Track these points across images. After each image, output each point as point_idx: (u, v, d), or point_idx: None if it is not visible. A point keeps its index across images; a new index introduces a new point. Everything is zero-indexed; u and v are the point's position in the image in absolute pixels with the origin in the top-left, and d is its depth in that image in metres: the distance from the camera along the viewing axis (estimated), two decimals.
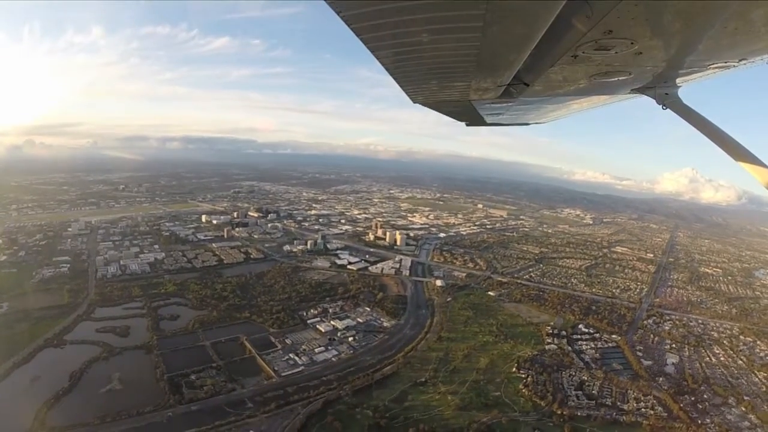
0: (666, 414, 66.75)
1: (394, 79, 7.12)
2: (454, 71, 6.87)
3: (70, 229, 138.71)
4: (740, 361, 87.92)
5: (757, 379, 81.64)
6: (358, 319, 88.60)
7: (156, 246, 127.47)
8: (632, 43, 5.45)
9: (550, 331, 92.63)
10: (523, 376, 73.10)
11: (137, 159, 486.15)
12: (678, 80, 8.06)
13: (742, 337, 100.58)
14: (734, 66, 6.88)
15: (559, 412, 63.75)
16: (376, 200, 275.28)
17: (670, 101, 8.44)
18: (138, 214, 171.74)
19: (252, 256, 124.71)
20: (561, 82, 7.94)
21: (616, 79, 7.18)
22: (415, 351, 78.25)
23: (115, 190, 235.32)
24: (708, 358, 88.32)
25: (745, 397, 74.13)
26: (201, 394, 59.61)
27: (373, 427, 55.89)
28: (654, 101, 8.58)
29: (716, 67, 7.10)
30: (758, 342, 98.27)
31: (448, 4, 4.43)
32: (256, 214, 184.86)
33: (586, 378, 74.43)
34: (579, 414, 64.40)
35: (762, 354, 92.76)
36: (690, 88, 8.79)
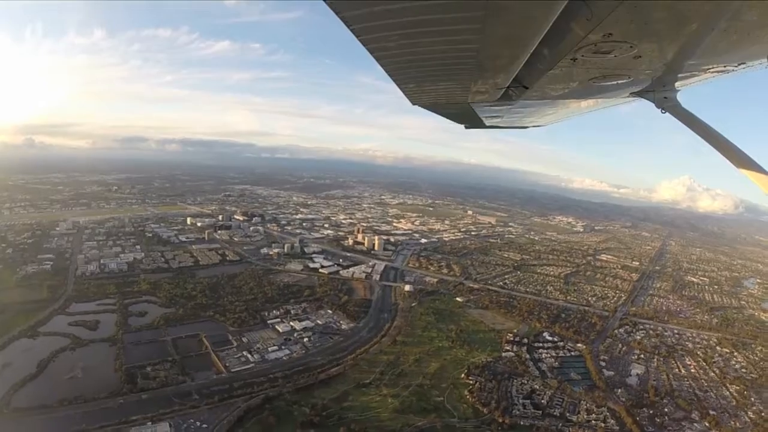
0: (618, 427, 65.20)
1: (393, 80, 7.17)
2: (454, 73, 6.93)
3: (57, 229, 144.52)
4: (712, 373, 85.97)
5: (727, 392, 79.42)
6: (318, 321, 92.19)
7: (137, 246, 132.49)
8: (631, 47, 5.49)
9: (511, 339, 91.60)
10: (471, 382, 72.95)
11: (135, 160, 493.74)
12: (677, 84, 8.10)
13: (718, 348, 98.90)
14: (733, 70, 6.90)
15: (500, 420, 63.23)
16: (365, 206, 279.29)
17: (669, 105, 8.48)
18: (126, 215, 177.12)
19: (228, 258, 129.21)
20: (560, 85, 7.99)
21: (615, 82, 7.20)
22: (367, 353, 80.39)
23: (107, 191, 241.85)
24: (677, 370, 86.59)
25: (711, 412, 71.98)
26: (153, 384, 63.99)
27: (306, 423, 58.29)
28: (653, 106, 8.64)
29: (715, 71, 7.14)
30: (735, 353, 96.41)
31: (447, 6, 4.44)
32: (241, 218, 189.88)
33: (537, 387, 73.73)
34: (521, 423, 63.74)
35: (737, 366, 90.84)
36: (689, 92, 8.80)
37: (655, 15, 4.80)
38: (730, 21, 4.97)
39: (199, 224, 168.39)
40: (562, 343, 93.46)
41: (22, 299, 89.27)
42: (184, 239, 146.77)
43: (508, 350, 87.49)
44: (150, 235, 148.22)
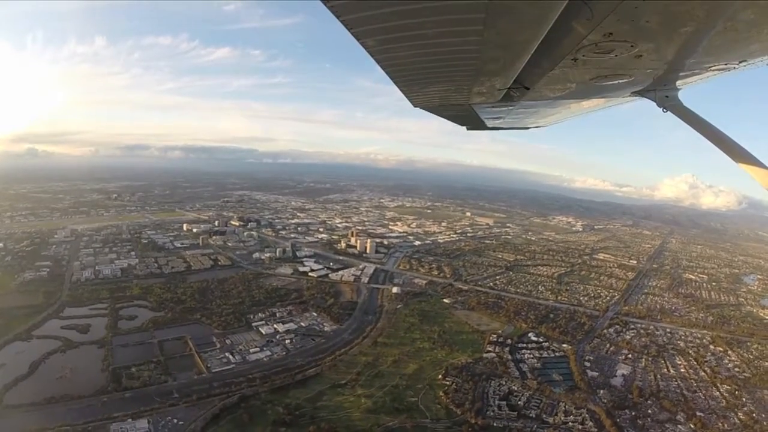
0: (596, 429, 64.13)
1: (395, 83, 7.22)
2: (455, 75, 6.99)
3: (56, 237, 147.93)
4: (703, 373, 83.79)
5: (717, 392, 76.90)
6: (302, 323, 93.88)
7: (133, 253, 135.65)
8: (632, 46, 5.49)
9: (495, 339, 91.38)
10: (448, 383, 72.89)
11: (137, 168, 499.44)
12: (678, 82, 8.11)
13: (712, 346, 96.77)
14: (734, 67, 6.92)
15: (472, 421, 63.02)
16: (363, 209, 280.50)
17: (670, 104, 8.50)
18: (124, 223, 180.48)
19: (220, 263, 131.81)
20: (561, 86, 8.05)
21: (616, 81, 7.23)
22: (346, 355, 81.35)
23: (107, 198, 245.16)
24: (666, 370, 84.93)
25: (698, 413, 69.63)
26: (136, 384, 66.76)
27: (278, 422, 59.85)
28: (654, 105, 8.62)
29: (716, 69, 7.14)
30: (729, 352, 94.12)
31: (448, 8, 4.45)
32: (237, 223, 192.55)
33: (516, 388, 73.23)
34: (494, 424, 63.38)
35: (730, 365, 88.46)
36: (690, 91, 8.83)
37: (656, 14, 4.82)
38: (730, 19, 4.98)
39: (194, 230, 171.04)
40: (546, 344, 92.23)
41: (18, 304, 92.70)
42: (178, 245, 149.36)
43: (489, 351, 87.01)
44: (146, 241, 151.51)
